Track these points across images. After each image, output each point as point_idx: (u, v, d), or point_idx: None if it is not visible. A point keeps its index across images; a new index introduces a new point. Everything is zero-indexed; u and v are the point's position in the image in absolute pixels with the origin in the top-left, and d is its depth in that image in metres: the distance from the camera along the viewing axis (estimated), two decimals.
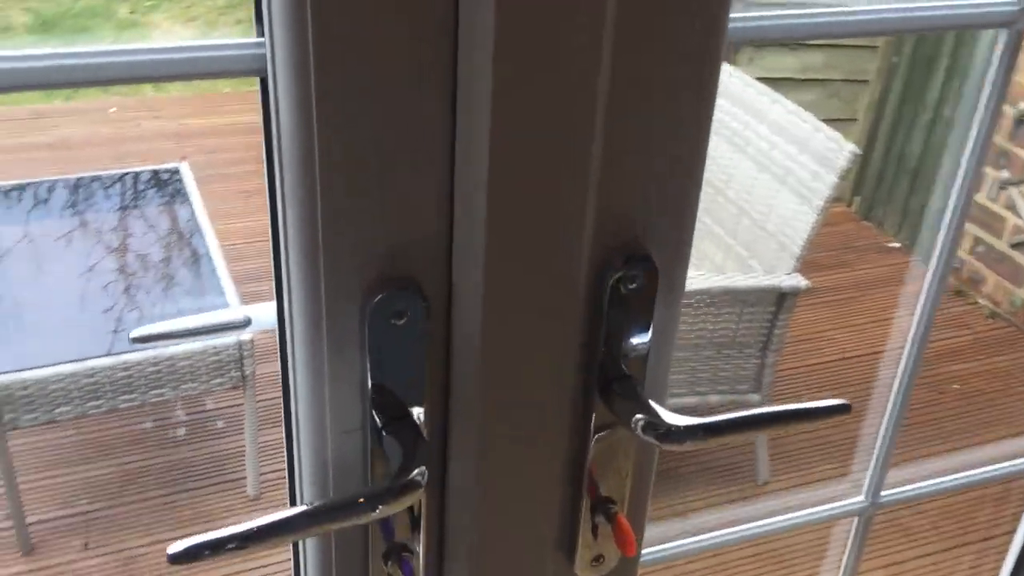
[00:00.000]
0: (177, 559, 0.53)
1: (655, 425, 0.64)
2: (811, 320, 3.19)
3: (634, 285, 0.64)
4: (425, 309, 0.59)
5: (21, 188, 2.91)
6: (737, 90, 2.64)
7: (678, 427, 0.64)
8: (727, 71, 2.69)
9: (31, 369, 1.96)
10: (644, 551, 0.99)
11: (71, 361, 1.98)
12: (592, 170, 0.58)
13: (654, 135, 0.60)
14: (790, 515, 0.90)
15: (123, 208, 2.82)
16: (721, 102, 2.68)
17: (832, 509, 0.90)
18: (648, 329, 0.67)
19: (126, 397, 2.08)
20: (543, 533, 0.70)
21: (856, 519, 0.90)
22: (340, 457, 0.63)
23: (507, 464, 0.66)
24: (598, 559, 0.75)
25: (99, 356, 1.99)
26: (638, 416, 0.64)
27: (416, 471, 0.59)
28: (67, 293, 2.38)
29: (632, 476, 0.73)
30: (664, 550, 0.92)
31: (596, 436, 0.69)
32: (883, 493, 0.88)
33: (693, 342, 2.28)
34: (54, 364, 1.98)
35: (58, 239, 2.66)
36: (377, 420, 0.62)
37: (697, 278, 2.24)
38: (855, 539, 0.91)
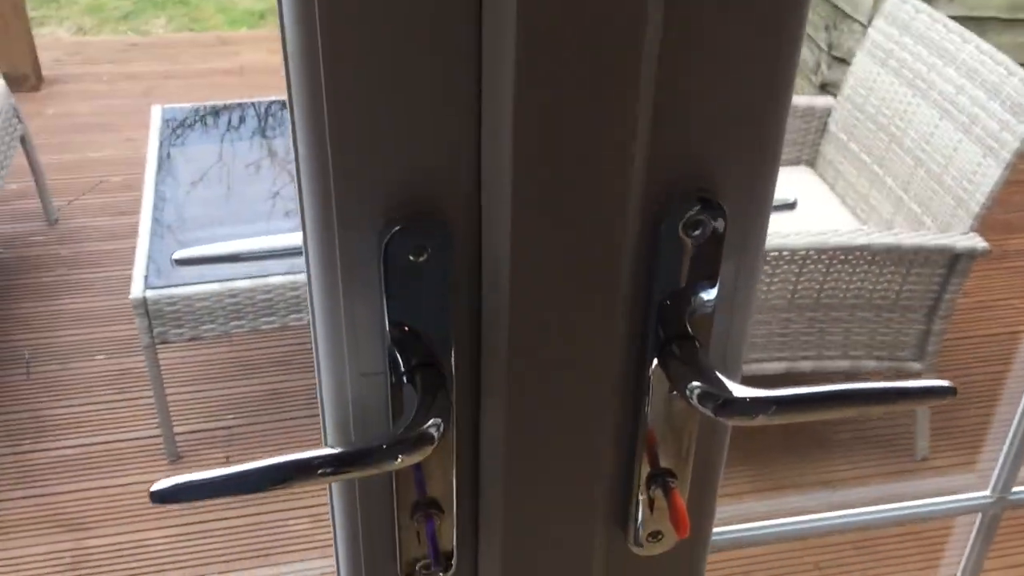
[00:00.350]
0: (162, 498, 0.50)
1: (712, 395, 0.56)
2: (988, 287, 2.91)
3: (697, 232, 0.56)
4: (447, 246, 0.53)
5: (215, 112, 3.01)
6: (922, 28, 2.40)
7: (740, 399, 0.55)
8: (913, 8, 2.45)
9: (179, 286, 2.03)
10: (732, 528, 0.91)
11: (216, 281, 2.04)
12: (641, 94, 0.49)
13: (721, 68, 0.51)
14: (898, 505, 0.79)
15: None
16: (905, 40, 2.45)
17: (953, 502, 0.78)
18: (714, 284, 0.58)
19: (266, 319, 2.13)
20: (589, 501, 0.63)
21: (979, 515, 0.78)
22: (360, 402, 0.58)
23: (543, 423, 0.59)
24: (656, 535, 0.67)
25: (240, 279, 2.04)
26: (694, 384, 0.56)
27: (430, 424, 0.53)
28: (237, 214, 2.44)
29: (696, 449, 0.65)
30: (737, 531, 0.83)
31: (653, 402, 0.61)
32: (1015, 489, 0.75)
33: (849, 302, 2.11)
34: (201, 283, 2.04)
35: (245, 162, 2.74)
36: (400, 365, 0.56)
37: (858, 233, 2.06)
38: (978, 536, 0.80)
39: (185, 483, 0.50)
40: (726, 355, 0.62)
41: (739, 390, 0.56)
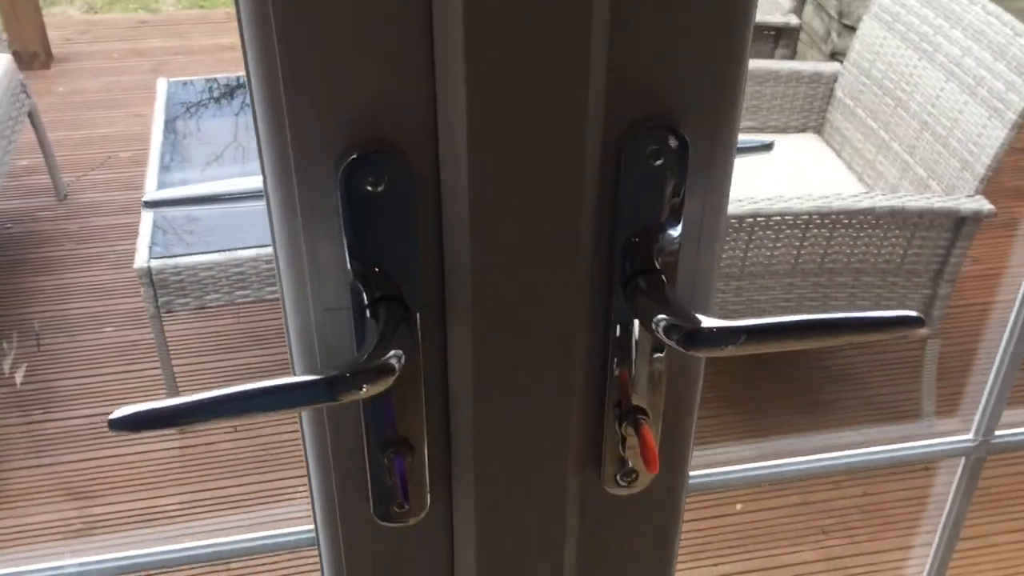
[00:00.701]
0: (121, 425, 0.50)
1: (678, 327, 0.55)
2: (997, 254, 2.89)
3: (659, 161, 0.55)
4: (405, 175, 0.53)
5: (221, 85, 3.01)
6: None
7: (707, 330, 0.55)
8: None
9: (182, 256, 2.04)
10: (719, 471, 0.91)
11: (220, 251, 2.05)
12: (595, 18, 0.49)
13: None
14: (884, 448, 0.79)
15: None
16: (912, 3, 2.42)
17: (936, 446, 0.78)
18: (679, 218, 0.57)
19: (271, 289, 2.13)
20: (560, 437, 0.63)
21: (963, 459, 0.77)
22: (325, 338, 0.58)
23: (509, 357, 0.59)
24: (630, 474, 0.67)
25: (245, 248, 2.05)
26: (660, 316, 0.56)
27: (391, 355, 0.53)
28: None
29: (668, 386, 0.65)
30: (721, 473, 0.83)
31: (622, 337, 0.61)
32: (998, 433, 0.75)
33: (854, 267, 2.10)
34: (205, 253, 2.05)
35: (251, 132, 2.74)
36: (364, 299, 0.56)
37: (862, 197, 2.05)
38: (961, 480, 0.79)
39: (145, 411, 0.50)
40: (694, 290, 0.62)
41: (707, 321, 0.56)
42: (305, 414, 0.63)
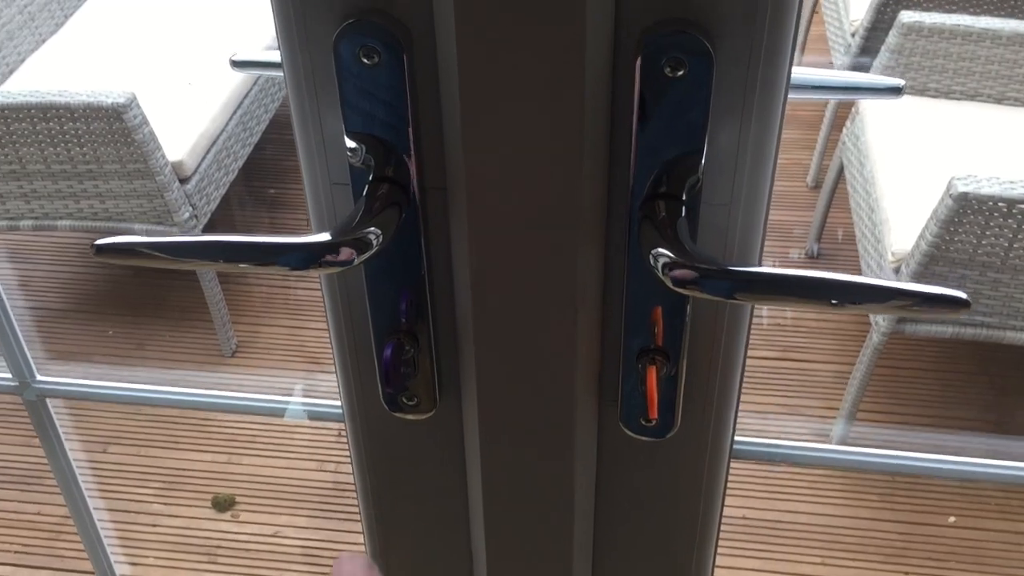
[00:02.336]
0: (104, 251, 0.53)
1: (677, 264, 0.50)
2: None
3: (680, 72, 0.49)
4: (398, 48, 0.51)
5: None
6: None
7: (699, 269, 0.49)
8: None
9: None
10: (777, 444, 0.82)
11: None
12: None
13: None
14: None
15: None
16: None
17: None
18: (702, 139, 0.51)
19: None
20: (563, 359, 0.59)
21: None
22: (333, 211, 0.58)
23: (503, 261, 0.56)
24: (651, 419, 0.62)
25: None
26: (659, 250, 0.50)
27: (368, 231, 0.52)
28: None
29: (698, 329, 0.59)
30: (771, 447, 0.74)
31: (642, 265, 0.56)
32: None
33: (1012, 263, 1.74)
34: None
35: None
36: (365, 176, 0.56)
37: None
38: None
39: (126, 243, 0.53)
40: (728, 229, 0.55)
41: (705, 260, 0.50)
42: (326, 294, 0.63)
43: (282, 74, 0.55)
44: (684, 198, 0.53)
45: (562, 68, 0.49)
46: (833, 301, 0.48)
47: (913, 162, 1.99)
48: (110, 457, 2.04)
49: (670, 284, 0.50)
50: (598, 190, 0.54)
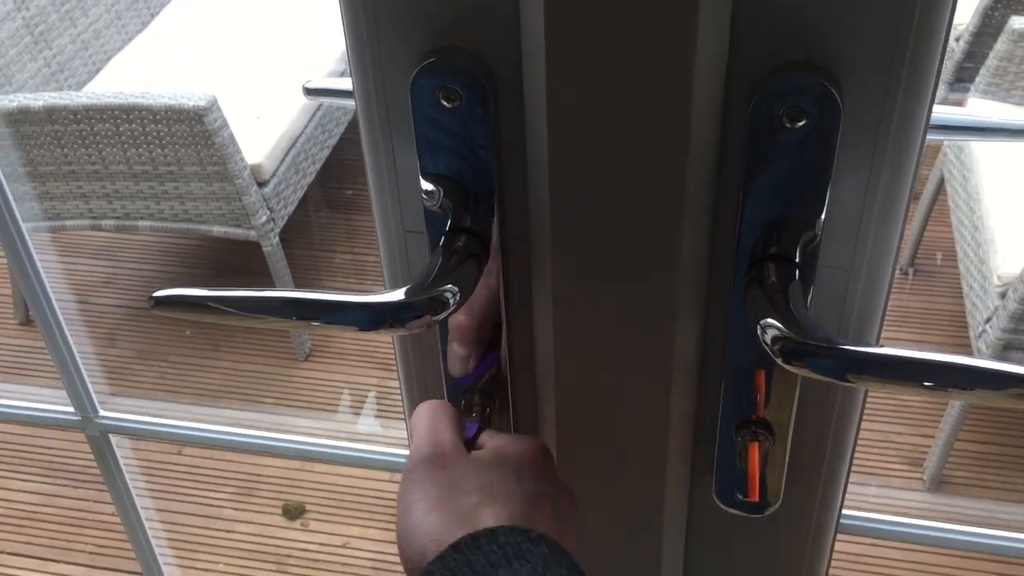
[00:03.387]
0: (161, 303, 0.49)
1: (788, 339, 0.43)
2: None
3: (801, 123, 0.43)
4: (481, 87, 0.45)
5: None
6: None
7: (806, 346, 0.43)
8: None
9: None
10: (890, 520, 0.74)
11: None
12: None
13: None
14: None
15: None
16: None
17: None
18: (823, 193, 0.45)
19: None
20: (654, 432, 0.54)
21: None
22: (407, 263, 0.54)
23: (589, 323, 0.50)
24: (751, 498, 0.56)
25: None
26: (768, 320, 0.44)
27: (444, 289, 0.47)
28: None
29: (807, 404, 0.53)
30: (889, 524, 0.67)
31: (746, 332, 0.50)
32: None
33: None
34: None
35: None
36: (443, 226, 0.51)
37: None
38: None
39: (187, 296, 0.49)
40: (846, 298, 0.49)
41: (817, 335, 0.43)
42: (397, 346, 0.59)
43: (354, 103, 0.51)
44: (798, 260, 0.47)
45: (666, 112, 0.43)
46: (968, 390, 0.42)
47: (1022, 177, 1.87)
48: (184, 459, 2.05)
49: (779, 360, 0.44)
50: (701, 249, 0.48)
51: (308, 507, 1.96)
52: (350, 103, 0.54)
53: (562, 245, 0.48)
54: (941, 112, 0.57)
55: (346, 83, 0.66)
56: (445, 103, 0.46)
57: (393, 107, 0.48)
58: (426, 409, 0.51)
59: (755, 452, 0.52)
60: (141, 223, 2.14)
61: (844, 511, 0.72)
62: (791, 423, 0.53)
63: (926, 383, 0.42)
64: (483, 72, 0.45)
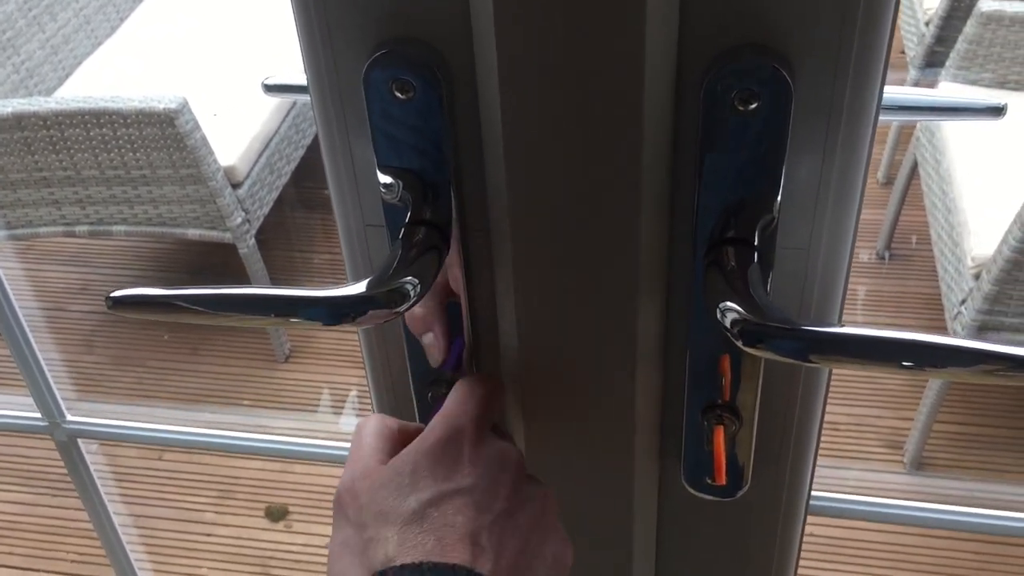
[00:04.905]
0: (119, 304, 0.49)
1: (747, 321, 0.44)
2: None
3: (753, 105, 0.43)
4: (432, 82, 0.45)
5: None
6: None
7: (766, 327, 0.43)
8: None
9: None
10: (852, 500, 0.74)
11: None
12: None
13: None
14: None
15: None
16: None
17: None
18: (778, 174, 0.45)
19: None
20: (620, 417, 0.54)
21: None
22: (368, 256, 0.53)
23: (552, 309, 0.50)
24: (718, 481, 0.56)
25: None
26: (727, 304, 0.44)
27: (404, 281, 0.47)
28: None
29: (772, 386, 0.53)
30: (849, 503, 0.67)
31: (709, 316, 0.50)
32: None
33: None
34: None
35: None
36: (402, 219, 0.50)
37: None
38: None
39: (143, 295, 0.48)
40: (807, 276, 0.49)
41: (777, 317, 0.43)
42: (362, 339, 0.58)
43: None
44: (756, 242, 0.47)
45: (618, 99, 0.43)
46: (927, 367, 0.42)
47: (993, 159, 1.88)
48: (164, 464, 2.04)
49: (739, 343, 0.44)
50: (659, 233, 0.48)
51: (291, 508, 1.95)
52: (308, 98, 0.53)
53: (521, 233, 0.48)
54: (901, 92, 0.58)
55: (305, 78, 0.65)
56: (399, 94, 0.46)
57: (348, 100, 0.48)
58: (356, 430, 0.48)
59: (720, 436, 0.52)
60: (115, 228, 2.12)
61: (824, 494, 0.72)
62: (756, 406, 0.53)
63: (887, 361, 0.42)
64: (436, 62, 0.45)
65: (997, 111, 0.55)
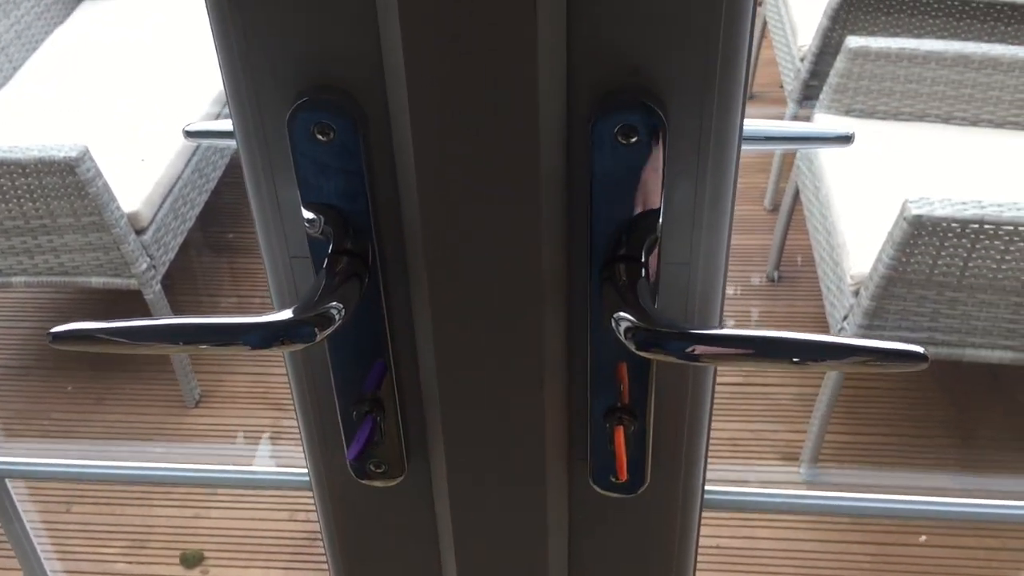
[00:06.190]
0: (59, 339, 0.52)
1: (639, 328, 0.50)
2: None
3: (634, 139, 0.49)
4: (352, 122, 0.50)
5: None
6: None
7: (656, 332, 0.49)
8: None
9: None
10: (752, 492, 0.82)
11: None
12: None
13: None
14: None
15: None
16: None
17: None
18: (658, 198, 0.51)
19: None
20: (530, 424, 0.59)
21: None
22: (294, 285, 0.58)
23: (466, 330, 0.55)
24: (620, 478, 0.62)
25: None
26: (621, 314, 0.50)
27: (330, 306, 0.51)
28: None
29: (665, 388, 0.59)
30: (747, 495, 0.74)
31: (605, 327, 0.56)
32: None
33: (968, 282, 1.76)
34: None
35: None
36: (324, 250, 0.55)
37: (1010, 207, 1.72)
38: None
39: (82, 329, 0.52)
40: (689, 288, 0.55)
41: (666, 323, 0.50)
42: (289, 365, 0.63)
43: (235, 143, 0.55)
44: (643, 259, 0.53)
45: (517, 137, 0.49)
46: (794, 360, 0.49)
47: (866, 184, 2.02)
48: (73, 517, 2.00)
49: (633, 348, 0.50)
50: (558, 255, 0.54)
51: (207, 553, 1.94)
52: (230, 143, 0.58)
53: (434, 259, 0.53)
54: (763, 124, 0.65)
55: (225, 124, 0.70)
56: (320, 137, 0.51)
57: (272, 143, 0.52)
58: None
59: (621, 435, 0.58)
60: (15, 279, 2.09)
61: (719, 488, 0.79)
62: (651, 407, 0.59)
63: (766, 356, 0.48)
64: (352, 106, 0.50)
65: (846, 139, 0.63)
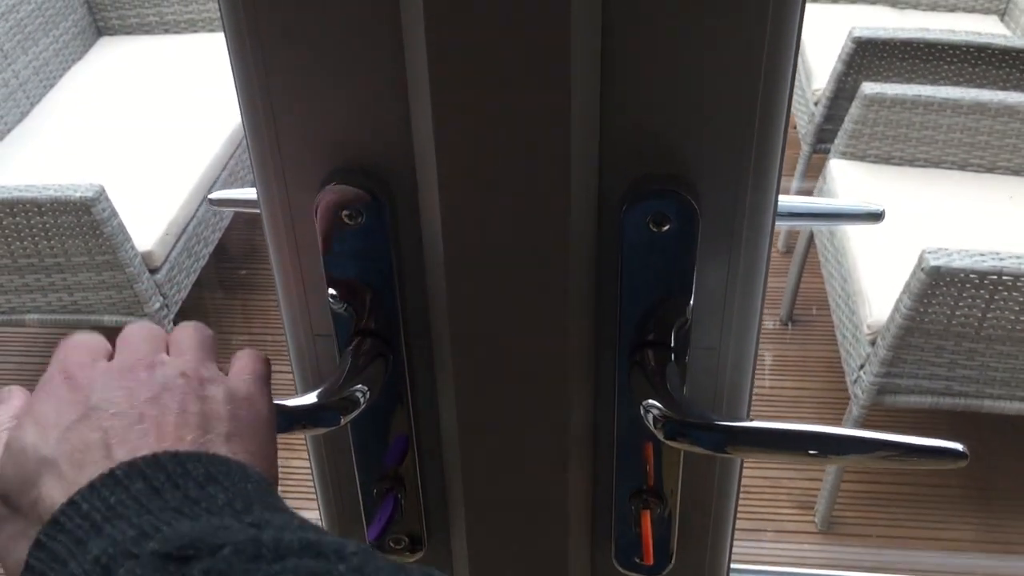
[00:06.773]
0: None
1: (668, 418, 0.49)
2: None
3: (666, 227, 0.49)
4: (381, 208, 0.50)
5: None
6: None
7: (685, 424, 0.48)
8: None
9: None
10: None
11: None
12: (574, 59, 0.44)
13: (682, 29, 0.44)
14: None
15: None
16: None
17: None
18: (688, 290, 0.50)
19: None
20: (554, 505, 0.58)
21: None
22: (316, 363, 0.57)
23: (492, 415, 0.55)
24: (644, 559, 0.61)
25: None
26: (650, 402, 0.50)
27: (355, 389, 0.51)
28: None
29: (692, 473, 0.58)
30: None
31: (631, 412, 0.55)
32: None
33: (986, 333, 1.75)
34: None
35: None
36: (348, 329, 0.54)
37: None
38: None
39: None
40: (718, 373, 0.54)
41: (694, 413, 0.49)
42: (309, 442, 0.62)
43: (259, 211, 0.54)
44: (673, 343, 0.53)
45: (547, 220, 0.48)
46: (828, 456, 0.48)
47: (882, 231, 2.01)
48: None
49: (661, 436, 0.49)
50: (586, 338, 0.53)
51: None
52: (255, 211, 0.57)
53: (460, 341, 0.52)
54: (793, 201, 0.64)
55: (250, 193, 0.69)
56: (348, 221, 0.50)
57: (299, 223, 0.52)
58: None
59: (647, 519, 0.57)
60: (28, 316, 2.09)
61: (743, 566, 0.77)
62: (679, 491, 0.58)
63: (794, 450, 0.47)
64: (381, 190, 0.50)
65: (876, 216, 0.62)
